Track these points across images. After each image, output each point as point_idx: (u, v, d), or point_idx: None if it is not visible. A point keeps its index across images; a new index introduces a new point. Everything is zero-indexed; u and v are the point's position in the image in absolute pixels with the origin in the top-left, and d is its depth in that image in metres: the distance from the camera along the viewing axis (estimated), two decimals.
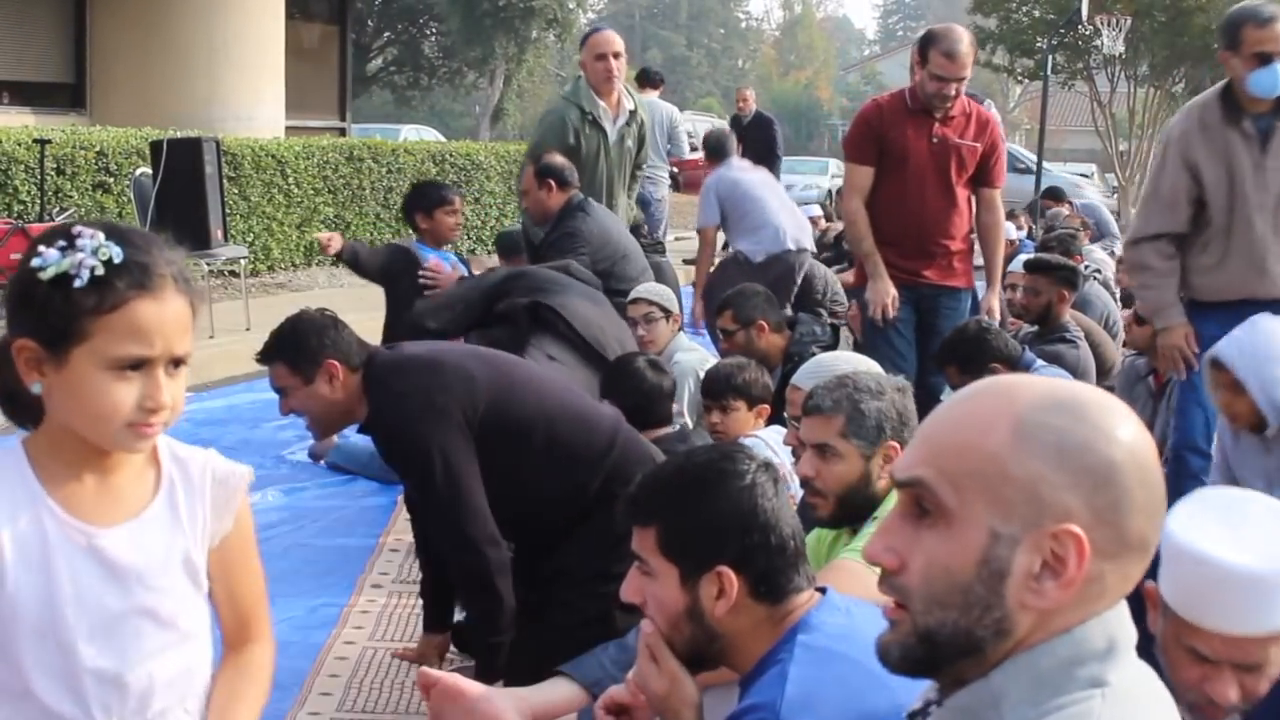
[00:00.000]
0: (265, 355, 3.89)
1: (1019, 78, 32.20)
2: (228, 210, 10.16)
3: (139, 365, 1.70)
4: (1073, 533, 1.37)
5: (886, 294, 5.61)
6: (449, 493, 3.69)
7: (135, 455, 1.80)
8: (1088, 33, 27.77)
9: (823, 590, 2.24)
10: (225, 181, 9.99)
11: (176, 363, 1.74)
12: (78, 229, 1.72)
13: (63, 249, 1.69)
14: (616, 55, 6.81)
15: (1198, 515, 2.14)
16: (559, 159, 6.12)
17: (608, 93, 6.81)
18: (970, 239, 5.89)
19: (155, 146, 9.40)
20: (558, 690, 3.35)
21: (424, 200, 6.44)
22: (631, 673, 2.94)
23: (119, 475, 1.80)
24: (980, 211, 5.89)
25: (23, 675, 1.74)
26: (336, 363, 3.78)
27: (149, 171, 9.53)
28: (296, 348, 3.83)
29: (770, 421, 4.78)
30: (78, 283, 1.67)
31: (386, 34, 38.27)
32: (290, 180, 12.49)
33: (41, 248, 1.71)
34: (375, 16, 37.15)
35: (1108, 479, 1.38)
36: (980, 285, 5.96)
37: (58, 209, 9.85)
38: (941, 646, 1.40)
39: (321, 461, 6.47)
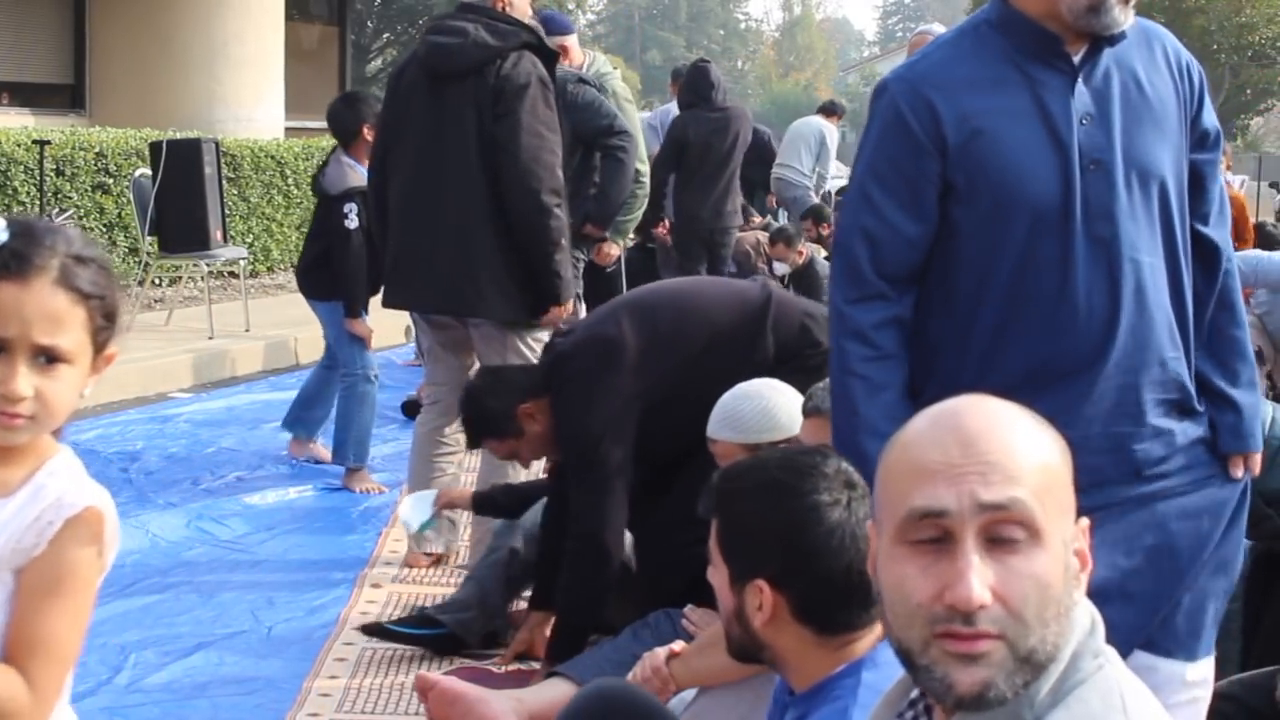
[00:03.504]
0: (473, 443, 4.23)
1: None
2: (227, 211, 10.16)
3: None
4: (1084, 526, 1.47)
5: None
6: (601, 477, 3.88)
7: (11, 450, 1.74)
8: None
9: None
10: (225, 182, 9.99)
11: (51, 358, 1.71)
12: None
13: None
14: None
15: None
16: None
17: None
18: None
19: (155, 147, 9.40)
20: (555, 691, 3.36)
21: (371, 112, 6.11)
22: (631, 673, 2.94)
23: None
24: None
25: None
26: (526, 404, 4.04)
27: (148, 172, 9.53)
28: (488, 420, 4.11)
29: None
30: None
31: (386, 35, 38.27)
32: (290, 181, 12.49)
33: None
34: (374, 17, 37.15)
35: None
36: None
37: (57, 210, 9.84)
38: (1041, 664, 1.42)
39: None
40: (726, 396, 3.50)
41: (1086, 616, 1.48)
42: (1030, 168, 2.43)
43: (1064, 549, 1.43)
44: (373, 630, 4.27)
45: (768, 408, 3.41)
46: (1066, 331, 2.44)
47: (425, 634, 4.21)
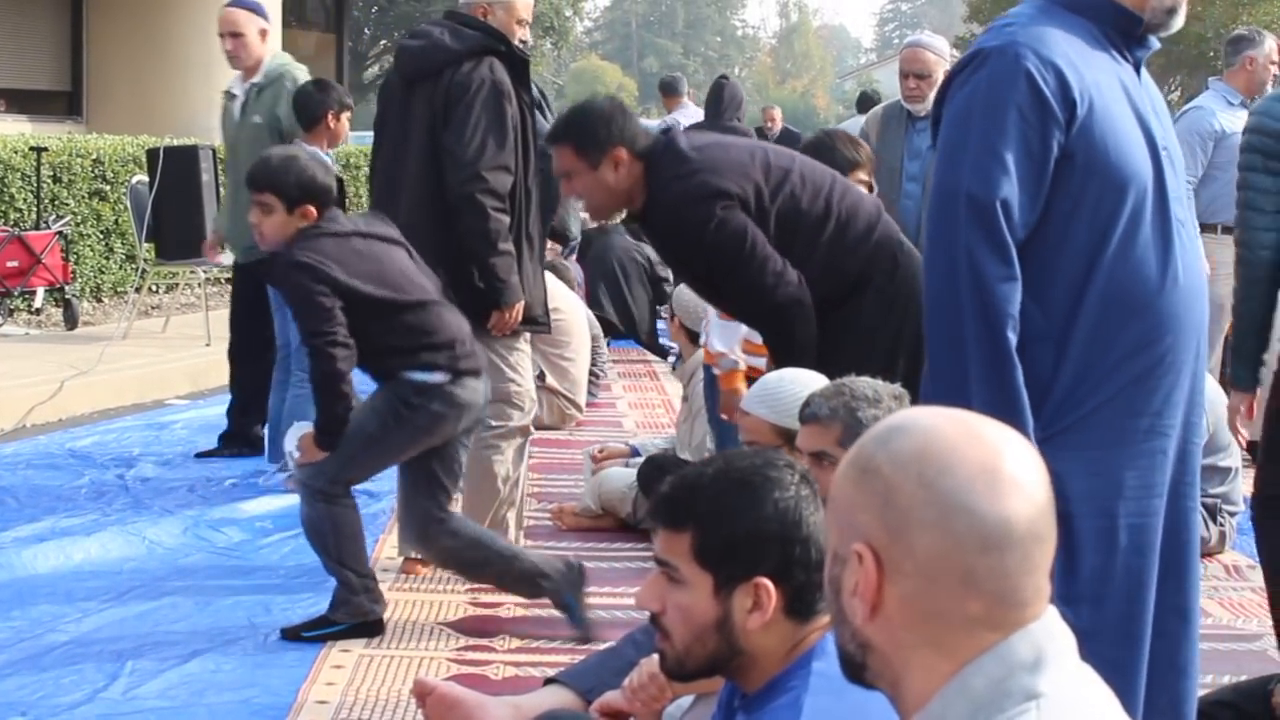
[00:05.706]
0: (554, 136, 4.04)
1: None
2: None
3: None
4: (859, 551, 1.44)
5: None
6: (733, 249, 3.86)
7: None
8: None
9: None
10: (222, 189, 9.98)
11: None
12: None
13: None
14: (231, 35, 6.58)
15: None
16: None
17: (237, 67, 6.72)
18: None
19: (152, 154, 9.40)
20: (553, 698, 3.34)
21: (338, 100, 6.23)
22: (627, 680, 2.94)
23: None
24: None
25: None
26: (624, 149, 3.94)
27: (145, 179, 9.53)
28: (586, 132, 3.98)
29: None
30: None
31: (383, 42, 38.26)
32: None
33: None
34: (371, 24, 37.16)
35: (888, 500, 1.44)
36: None
37: (54, 217, 9.85)
38: (845, 661, 1.52)
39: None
40: (772, 375, 3.56)
41: (1029, 651, 1.40)
42: (1130, 145, 2.42)
43: (832, 561, 1.50)
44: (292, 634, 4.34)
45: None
46: (1169, 312, 2.44)
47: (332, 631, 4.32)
